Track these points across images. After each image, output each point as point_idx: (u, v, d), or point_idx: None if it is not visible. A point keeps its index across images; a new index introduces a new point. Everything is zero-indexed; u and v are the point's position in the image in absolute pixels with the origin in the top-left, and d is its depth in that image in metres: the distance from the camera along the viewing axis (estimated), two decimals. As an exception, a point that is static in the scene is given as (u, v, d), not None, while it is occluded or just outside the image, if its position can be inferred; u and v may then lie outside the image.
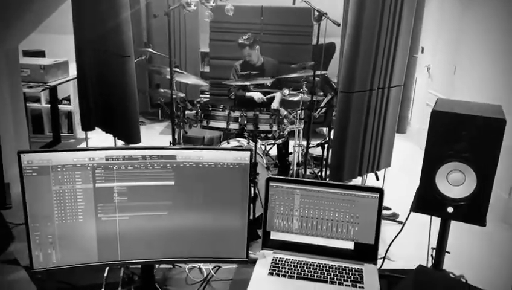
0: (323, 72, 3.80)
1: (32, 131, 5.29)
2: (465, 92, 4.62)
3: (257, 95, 4.27)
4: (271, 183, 1.56)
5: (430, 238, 1.79)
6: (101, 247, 1.43)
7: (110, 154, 1.37)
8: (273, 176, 1.55)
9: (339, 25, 3.13)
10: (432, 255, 1.75)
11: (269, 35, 5.30)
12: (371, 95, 2.92)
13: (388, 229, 3.56)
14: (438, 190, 1.55)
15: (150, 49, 3.90)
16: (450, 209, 1.54)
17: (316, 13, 3.16)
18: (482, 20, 4.36)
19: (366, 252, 1.56)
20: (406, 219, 1.68)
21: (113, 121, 3.19)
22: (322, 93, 5.89)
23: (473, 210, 1.51)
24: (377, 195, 1.53)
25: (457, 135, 1.49)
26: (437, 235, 1.68)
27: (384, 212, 3.82)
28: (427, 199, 1.57)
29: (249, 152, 1.43)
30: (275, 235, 1.61)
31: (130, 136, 3.11)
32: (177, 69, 3.66)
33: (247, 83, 3.60)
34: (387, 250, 1.75)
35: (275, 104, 4.27)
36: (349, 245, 1.57)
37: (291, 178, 1.58)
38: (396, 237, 1.82)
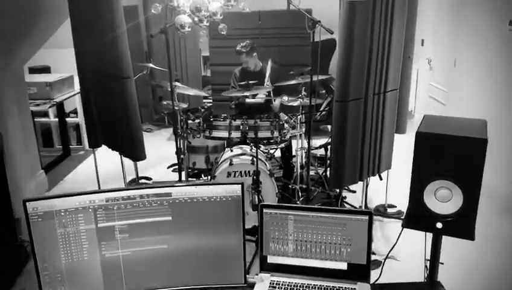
0: (321, 77, 3.77)
1: (42, 145, 5.43)
2: (465, 85, 4.63)
3: (255, 101, 4.29)
4: (265, 211, 1.63)
5: (426, 250, 1.85)
6: (107, 281, 1.53)
7: (110, 196, 1.46)
8: (266, 203, 1.62)
9: (332, 33, 3.16)
10: (426, 266, 1.82)
11: (267, 38, 5.33)
12: (367, 102, 2.95)
13: (393, 226, 3.61)
14: (426, 207, 1.61)
15: (151, 64, 3.96)
16: (439, 225, 1.60)
17: (310, 21, 3.20)
18: (480, 14, 4.35)
19: (359, 271, 1.63)
20: (399, 236, 1.75)
21: (117, 139, 3.28)
22: (324, 91, 5.92)
23: (461, 225, 1.58)
24: (367, 217, 1.60)
25: (442, 154, 1.54)
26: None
27: (390, 210, 3.87)
28: (417, 216, 1.64)
29: (240, 185, 1.51)
30: (271, 259, 1.68)
31: (134, 154, 3.20)
32: (178, 83, 3.73)
33: (247, 94, 3.65)
34: (385, 259, 1.81)
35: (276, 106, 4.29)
36: (343, 266, 1.64)
37: (284, 204, 1.65)
38: (390, 250, 1.90)
